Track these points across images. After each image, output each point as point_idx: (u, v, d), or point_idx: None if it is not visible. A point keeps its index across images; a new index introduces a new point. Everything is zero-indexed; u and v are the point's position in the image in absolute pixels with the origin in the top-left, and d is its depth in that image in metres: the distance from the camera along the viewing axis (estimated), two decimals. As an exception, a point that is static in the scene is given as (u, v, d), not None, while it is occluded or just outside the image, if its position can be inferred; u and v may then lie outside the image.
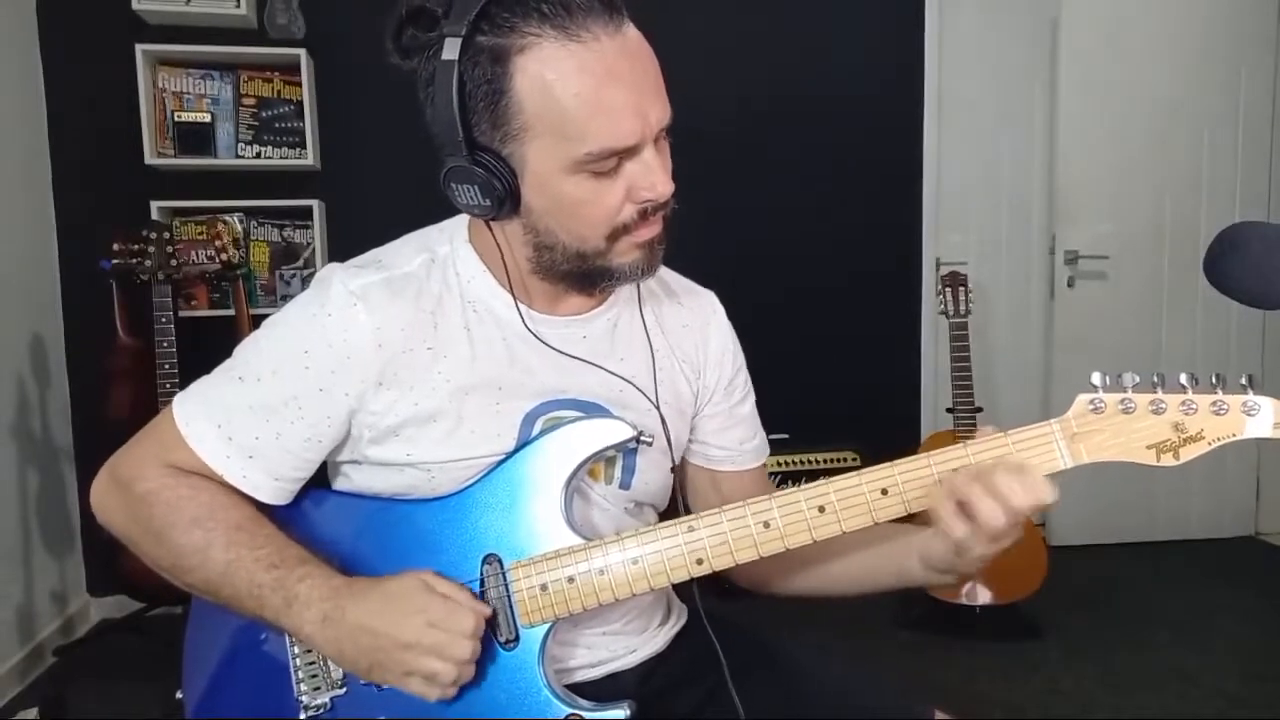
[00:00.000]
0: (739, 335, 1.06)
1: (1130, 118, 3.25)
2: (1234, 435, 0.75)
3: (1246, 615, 2.77)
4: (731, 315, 1.06)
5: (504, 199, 0.80)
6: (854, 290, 3.27)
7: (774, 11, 3.15)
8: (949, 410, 2.64)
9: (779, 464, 2.83)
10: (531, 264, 0.87)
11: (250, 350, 0.88)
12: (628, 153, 0.78)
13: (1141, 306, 3.35)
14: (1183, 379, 0.76)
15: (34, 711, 2.08)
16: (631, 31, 0.78)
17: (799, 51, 3.17)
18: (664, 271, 1.02)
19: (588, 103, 0.75)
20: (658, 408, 0.93)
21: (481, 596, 0.84)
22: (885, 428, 3.16)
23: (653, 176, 0.80)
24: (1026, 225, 3.52)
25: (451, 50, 0.75)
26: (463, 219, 0.93)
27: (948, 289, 2.65)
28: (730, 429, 1.04)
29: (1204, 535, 3.41)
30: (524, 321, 0.89)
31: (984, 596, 2.55)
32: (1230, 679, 2.32)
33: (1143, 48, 3.23)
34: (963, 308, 2.63)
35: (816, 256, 3.23)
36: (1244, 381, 0.75)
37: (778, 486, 0.84)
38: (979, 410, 2.63)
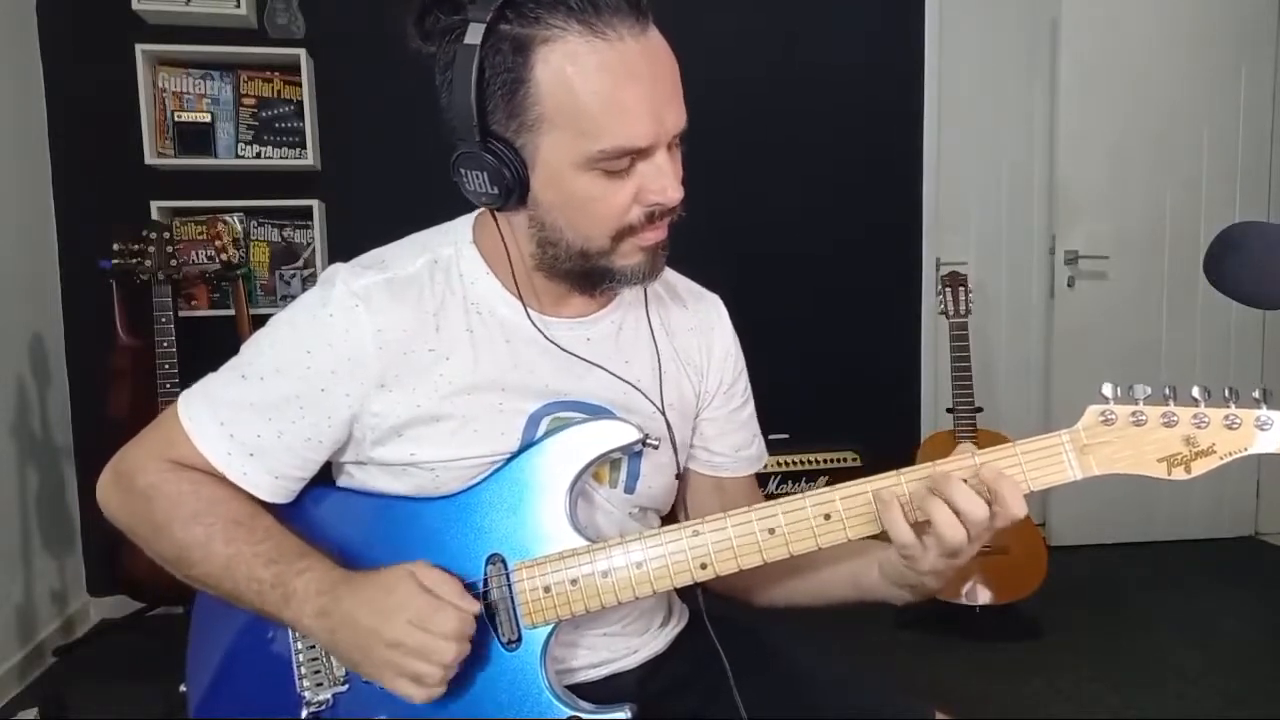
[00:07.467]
0: (739, 335, 1.06)
1: (1130, 117, 3.25)
2: (1246, 449, 0.74)
3: (1246, 615, 2.77)
4: (731, 315, 1.06)
5: (513, 189, 0.80)
6: (854, 290, 3.27)
7: (773, 11, 3.15)
8: (949, 410, 2.64)
9: (779, 464, 2.83)
10: (535, 260, 0.87)
11: (254, 349, 0.88)
12: (641, 154, 0.78)
13: (1141, 306, 3.35)
14: (1195, 392, 0.74)
15: (34, 711, 2.07)
16: (655, 34, 0.78)
17: (799, 51, 3.17)
18: (669, 274, 1.02)
19: (606, 100, 0.75)
20: (663, 412, 0.93)
21: (485, 597, 0.84)
22: (885, 428, 3.16)
23: (663, 180, 0.80)
24: (1026, 225, 3.52)
25: (474, 35, 0.75)
26: (468, 220, 0.93)
27: (948, 289, 2.66)
28: (728, 434, 1.04)
29: (1204, 535, 3.40)
30: (531, 320, 0.88)
31: (984, 596, 2.55)
32: (1230, 679, 2.32)
33: (1143, 48, 3.23)
34: (963, 308, 2.64)
35: (816, 256, 3.23)
36: (1257, 395, 0.74)
37: (778, 487, 0.83)
38: (979, 410, 2.63)
